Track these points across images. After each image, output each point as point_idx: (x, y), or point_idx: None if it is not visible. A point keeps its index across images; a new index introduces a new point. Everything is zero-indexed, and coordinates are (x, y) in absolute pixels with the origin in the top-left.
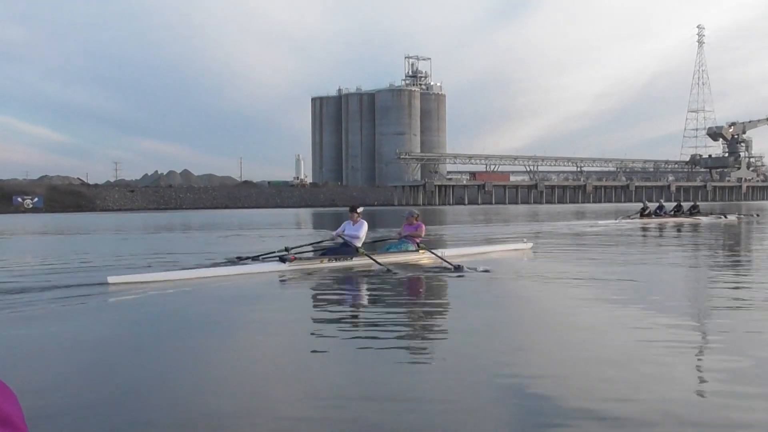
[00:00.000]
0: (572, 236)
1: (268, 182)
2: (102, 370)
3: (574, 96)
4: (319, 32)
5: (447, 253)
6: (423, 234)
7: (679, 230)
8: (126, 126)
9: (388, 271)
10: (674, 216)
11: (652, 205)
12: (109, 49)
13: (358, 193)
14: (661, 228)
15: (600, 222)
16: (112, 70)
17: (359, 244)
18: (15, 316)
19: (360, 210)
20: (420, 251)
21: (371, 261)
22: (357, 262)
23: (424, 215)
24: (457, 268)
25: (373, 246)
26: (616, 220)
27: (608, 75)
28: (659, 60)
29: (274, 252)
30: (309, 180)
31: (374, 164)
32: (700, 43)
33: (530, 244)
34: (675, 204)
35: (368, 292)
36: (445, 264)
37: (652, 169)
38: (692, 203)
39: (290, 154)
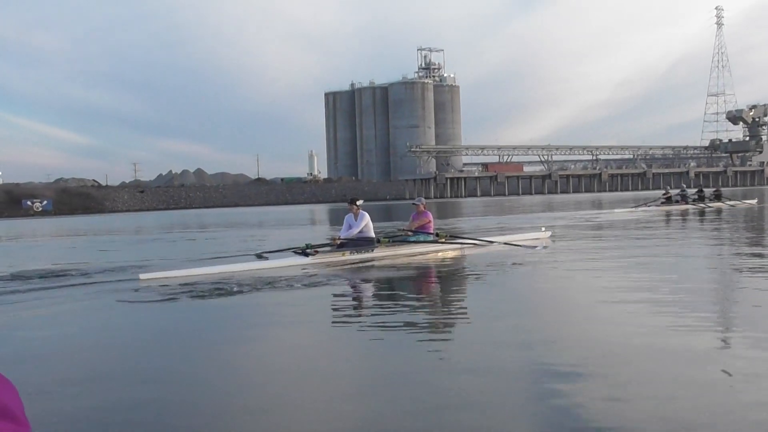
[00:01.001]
0: (592, 226)
1: (281, 179)
2: (128, 366)
3: (595, 84)
4: (335, 28)
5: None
6: (431, 221)
7: (702, 217)
8: (148, 127)
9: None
10: (696, 202)
11: (674, 192)
12: (131, 51)
13: (370, 187)
14: (683, 215)
15: (621, 210)
16: (133, 72)
17: (355, 231)
18: (44, 313)
19: (359, 203)
20: (441, 238)
21: (391, 252)
22: (377, 253)
23: (436, 208)
24: (491, 243)
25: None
26: (638, 207)
27: (630, 62)
28: (682, 44)
29: (297, 248)
30: (323, 175)
31: (389, 158)
32: (719, 25)
33: (549, 233)
34: (697, 190)
35: (390, 284)
36: (478, 243)
37: (672, 156)
38: (715, 189)
39: (307, 150)
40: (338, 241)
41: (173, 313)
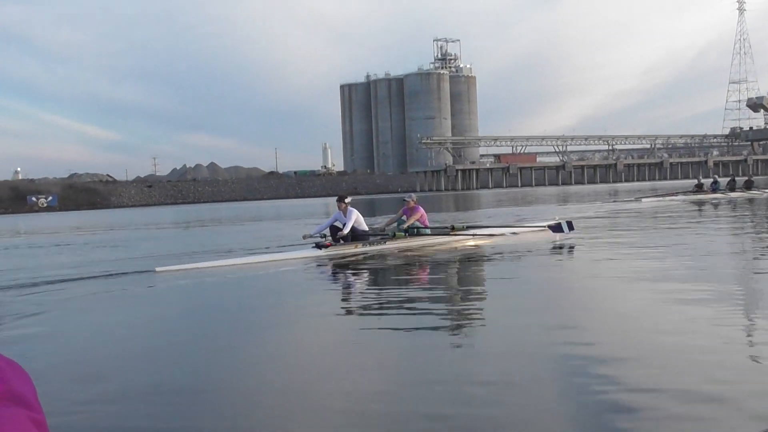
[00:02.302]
0: (623, 214)
1: (294, 172)
2: (142, 358)
3: (622, 72)
4: (359, 20)
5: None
6: (424, 215)
7: (734, 206)
8: (173, 121)
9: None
10: (729, 192)
11: (707, 181)
12: (155, 46)
13: (381, 180)
14: (716, 204)
15: (649, 198)
16: (158, 67)
17: (346, 231)
18: (61, 302)
19: (348, 200)
20: (455, 230)
21: (405, 244)
22: (390, 246)
23: (444, 201)
24: (513, 234)
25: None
26: (666, 196)
27: (657, 49)
28: (710, 30)
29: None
30: (338, 168)
31: (405, 150)
32: (741, 11)
33: (569, 219)
34: (729, 179)
35: (405, 275)
36: (493, 233)
37: (696, 145)
38: (747, 178)
39: (328, 143)
40: (306, 238)
41: (183, 305)
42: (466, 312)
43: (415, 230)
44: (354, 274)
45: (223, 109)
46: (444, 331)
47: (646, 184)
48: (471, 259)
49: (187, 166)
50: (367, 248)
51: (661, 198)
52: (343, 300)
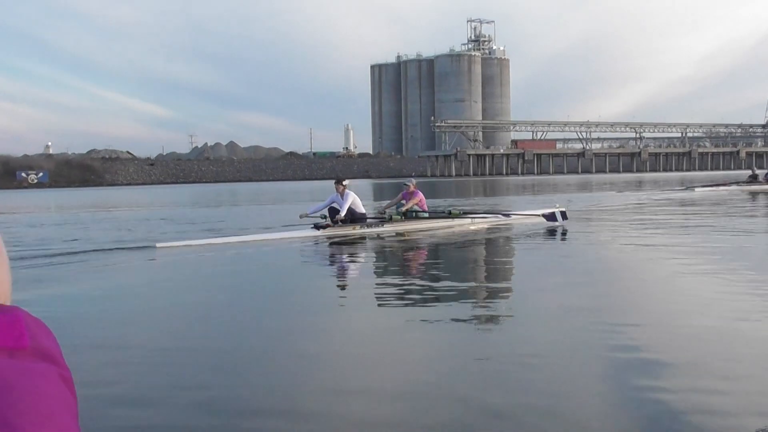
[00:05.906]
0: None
1: (314, 153)
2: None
3: (678, 60)
4: (410, 3)
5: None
6: (423, 200)
7: None
8: (222, 99)
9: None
10: None
11: (761, 172)
12: (210, 25)
13: (395, 163)
14: None
15: (702, 188)
16: (213, 46)
17: (342, 213)
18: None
19: (346, 182)
20: (452, 216)
21: (402, 227)
22: (387, 228)
23: (451, 188)
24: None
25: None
26: (719, 186)
27: (716, 36)
28: None
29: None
30: (367, 150)
31: (433, 133)
32: None
33: (563, 209)
34: None
35: (407, 257)
36: (494, 219)
37: (740, 134)
38: None
39: (353, 124)
40: (302, 218)
41: (179, 280)
42: (499, 293)
43: (414, 214)
44: (353, 254)
45: (276, 89)
46: (473, 307)
47: (674, 175)
48: (479, 241)
49: (209, 145)
50: (365, 230)
51: (714, 188)
52: (338, 280)
